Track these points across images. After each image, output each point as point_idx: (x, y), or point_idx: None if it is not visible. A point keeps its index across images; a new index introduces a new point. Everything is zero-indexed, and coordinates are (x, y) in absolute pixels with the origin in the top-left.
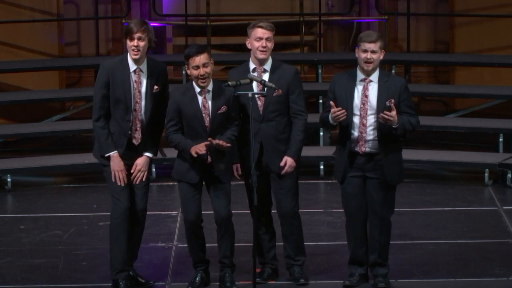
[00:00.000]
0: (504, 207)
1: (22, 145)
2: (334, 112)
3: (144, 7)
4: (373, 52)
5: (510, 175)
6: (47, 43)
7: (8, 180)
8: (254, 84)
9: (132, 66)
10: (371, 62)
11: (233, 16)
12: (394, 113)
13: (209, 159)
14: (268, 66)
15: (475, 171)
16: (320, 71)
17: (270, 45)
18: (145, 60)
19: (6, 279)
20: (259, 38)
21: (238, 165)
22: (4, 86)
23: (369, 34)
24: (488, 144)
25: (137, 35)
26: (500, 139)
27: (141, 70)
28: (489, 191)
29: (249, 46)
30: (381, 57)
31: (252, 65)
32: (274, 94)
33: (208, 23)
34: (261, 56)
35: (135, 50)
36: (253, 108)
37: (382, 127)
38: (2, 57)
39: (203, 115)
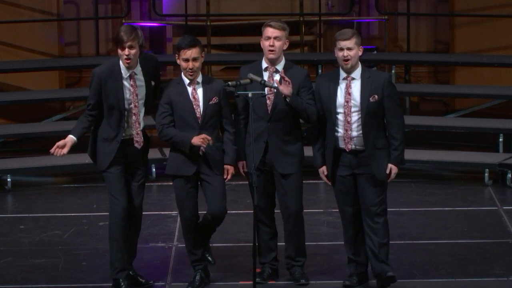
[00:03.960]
0: (504, 207)
1: (22, 145)
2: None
3: (144, 7)
4: (349, 49)
5: (510, 175)
6: (47, 43)
7: (8, 180)
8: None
9: (126, 72)
10: (348, 60)
11: (233, 16)
12: (394, 170)
13: (202, 149)
14: (280, 66)
15: (475, 171)
16: (320, 71)
17: (279, 44)
18: (138, 62)
19: (6, 279)
20: (268, 37)
21: (244, 162)
22: (4, 86)
23: (343, 32)
24: (488, 144)
25: (127, 44)
26: (500, 139)
27: (135, 74)
28: (489, 191)
29: (262, 45)
30: (360, 53)
31: (264, 64)
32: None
33: (208, 23)
34: (269, 55)
35: (127, 58)
36: (261, 107)
37: (361, 115)
38: (2, 57)
39: (194, 106)
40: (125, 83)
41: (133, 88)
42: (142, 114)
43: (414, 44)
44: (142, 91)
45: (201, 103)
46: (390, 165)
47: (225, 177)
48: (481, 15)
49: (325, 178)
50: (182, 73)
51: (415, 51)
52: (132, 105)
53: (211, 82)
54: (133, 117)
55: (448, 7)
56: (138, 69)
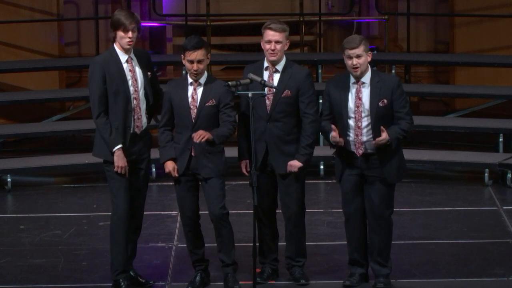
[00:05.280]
0: (504, 207)
1: (22, 145)
2: (333, 138)
3: (144, 7)
4: (358, 57)
5: (510, 175)
6: (47, 43)
7: (8, 180)
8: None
9: (123, 57)
10: (357, 67)
11: (233, 16)
12: (384, 135)
13: (193, 153)
14: (280, 66)
15: (475, 171)
16: (320, 71)
17: (280, 47)
18: (132, 50)
19: (6, 279)
20: (268, 40)
21: (248, 161)
22: (4, 86)
23: (350, 40)
24: (488, 144)
25: (131, 26)
26: (500, 139)
27: (132, 59)
28: (489, 191)
29: (262, 46)
30: (369, 59)
31: (265, 64)
32: (283, 95)
33: (208, 23)
34: (270, 58)
35: (130, 40)
36: (261, 107)
37: (371, 120)
38: (2, 57)
39: (191, 106)
40: (124, 66)
41: (131, 72)
42: (143, 103)
43: (414, 44)
44: (140, 77)
45: (198, 104)
46: (387, 132)
47: (194, 136)
48: (481, 15)
49: (336, 136)
50: (187, 72)
51: (415, 51)
52: (132, 89)
53: (214, 83)
54: (134, 101)
55: (448, 7)
56: (134, 56)
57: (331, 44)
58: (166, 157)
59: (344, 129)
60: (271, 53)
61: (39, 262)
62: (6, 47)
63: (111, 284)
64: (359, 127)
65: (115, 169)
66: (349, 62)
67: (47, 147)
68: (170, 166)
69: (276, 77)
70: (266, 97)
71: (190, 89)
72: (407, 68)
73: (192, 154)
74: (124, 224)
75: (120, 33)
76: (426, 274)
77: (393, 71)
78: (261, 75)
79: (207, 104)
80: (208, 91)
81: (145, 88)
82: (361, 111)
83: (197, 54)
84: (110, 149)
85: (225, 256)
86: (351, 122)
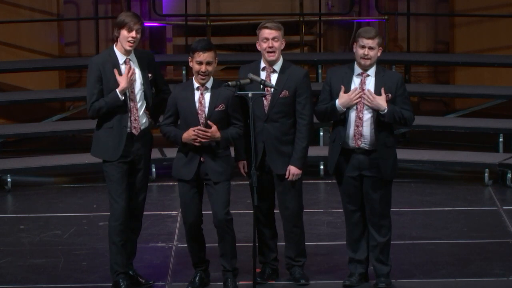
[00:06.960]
0: (504, 207)
1: (22, 145)
2: (351, 94)
3: (144, 7)
4: (370, 48)
5: (510, 175)
6: (47, 43)
7: (8, 180)
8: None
9: (121, 58)
10: (368, 59)
11: (233, 16)
12: (383, 96)
13: (203, 158)
14: (278, 66)
15: (475, 171)
16: (320, 71)
17: (277, 44)
18: (132, 52)
19: (6, 279)
20: (266, 38)
21: (245, 162)
22: (4, 86)
23: (367, 30)
24: (488, 144)
25: (136, 26)
26: (500, 139)
27: (130, 60)
28: (489, 191)
29: (258, 48)
30: (379, 54)
31: (262, 64)
32: (281, 96)
33: (208, 23)
34: (269, 57)
35: (132, 41)
36: (258, 107)
37: (373, 113)
38: (2, 57)
39: (198, 111)
40: (122, 68)
41: None
42: (141, 104)
43: (414, 44)
44: (138, 79)
45: (206, 109)
46: (390, 98)
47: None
48: (481, 15)
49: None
50: (194, 76)
51: (415, 51)
52: (129, 90)
53: (221, 87)
54: (130, 102)
55: (448, 7)
56: (134, 58)
57: (331, 44)
58: (181, 134)
59: (344, 120)
60: (270, 52)
61: (39, 262)
62: (6, 47)
63: (111, 284)
64: (360, 118)
65: (129, 74)
66: (360, 52)
67: (47, 147)
68: (188, 133)
69: (274, 77)
70: (264, 98)
71: (197, 94)
72: (407, 68)
73: (202, 159)
74: (122, 225)
75: (124, 33)
76: (426, 274)
77: (393, 71)
78: (258, 76)
79: (216, 109)
80: (217, 96)
81: (144, 90)
82: (364, 103)
83: (206, 56)
84: (115, 96)
85: (226, 263)
86: (352, 113)
